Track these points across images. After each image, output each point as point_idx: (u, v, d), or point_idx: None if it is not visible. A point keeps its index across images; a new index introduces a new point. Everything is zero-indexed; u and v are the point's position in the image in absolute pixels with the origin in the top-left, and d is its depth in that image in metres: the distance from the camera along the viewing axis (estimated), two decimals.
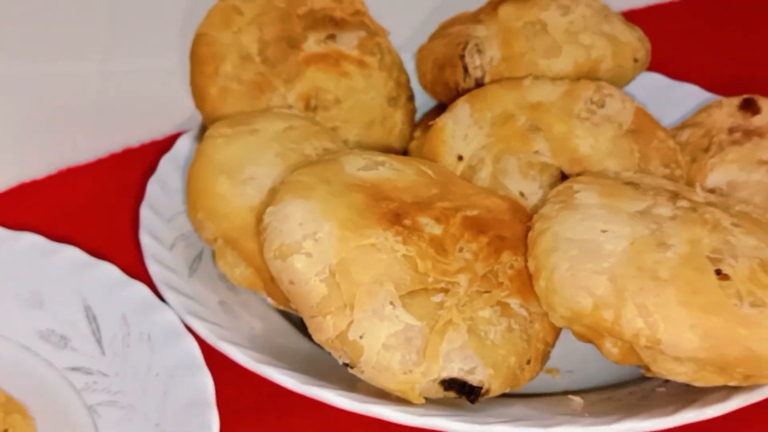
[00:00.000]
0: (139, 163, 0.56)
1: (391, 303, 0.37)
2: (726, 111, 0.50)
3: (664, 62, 0.59)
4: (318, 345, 0.42)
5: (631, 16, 0.61)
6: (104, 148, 0.59)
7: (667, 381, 0.41)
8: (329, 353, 0.39)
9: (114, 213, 0.51)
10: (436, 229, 0.40)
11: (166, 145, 0.56)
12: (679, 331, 0.36)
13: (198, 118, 0.56)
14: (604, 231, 0.38)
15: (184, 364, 0.38)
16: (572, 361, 0.44)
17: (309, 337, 0.43)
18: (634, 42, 0.53)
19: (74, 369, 0.41)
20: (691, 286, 0.36)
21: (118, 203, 0.51)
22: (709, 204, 0.40)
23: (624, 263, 0.37)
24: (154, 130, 0.60)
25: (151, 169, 0.53)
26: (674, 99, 0.56)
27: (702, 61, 0.64)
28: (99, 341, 0.41)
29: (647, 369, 0.38)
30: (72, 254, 0.44)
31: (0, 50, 0.68)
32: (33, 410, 0.39)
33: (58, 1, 0.74)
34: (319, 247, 0.38)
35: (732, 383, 0.37)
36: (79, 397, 0.40)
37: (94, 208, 0.52)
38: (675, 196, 0.40)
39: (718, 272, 0.37)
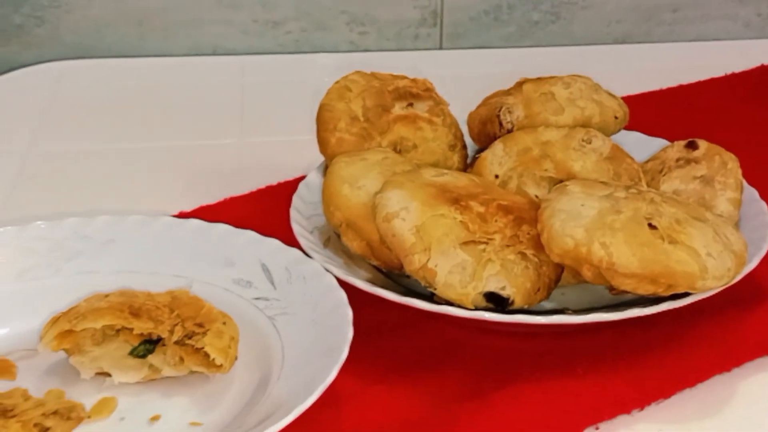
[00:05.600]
0: (278, 192, 0.79)
1: (453, 247, 0.61)
2: (676, 149, 0.72)
3: (646, 124, 0.82)
4: (404, 287, 0.65)
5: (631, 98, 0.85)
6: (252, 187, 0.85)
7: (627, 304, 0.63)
8: (413, 284, 0.63)
9: (267, 215, 0.73)
10: (481, 209, 0.63)
11: (295, 182, 0.77)
12: (625, 257, 0.58)
13: (312, 165, 0.76)
14: (582, 204, 0.61)
15: (327, 288, 0.61)
16: (576, 304, 0.67)
17: (399, 284, 0.66)
18: (615, 106, 0.76)
19: (257, 299, 0.63)
20: (633, 232, 0.59)
21: (270, 211, 0.74)
22: (649, 192, 0.63)
23: (593, 221, 0.60)
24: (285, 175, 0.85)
25: (287, 195, 0.75)
26: (650, 148, 0.77)
27: (674, 124, 0.88)
28: (272, 282, 0.64)
29: (611, 288, 0.61)
30: (251, 234, 0.66)
31: (178, 132, 0.94)
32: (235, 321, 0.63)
33: (210, 100, 1.01)
34: (409, 215, 0.61)
35: (660, 291, 0.59)
36: (262, 313, 0.62)
37: (253, 214, 0.76)
38: (628, 188, 0.63)
39: (650, 225, 0.60)
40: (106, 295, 0.60)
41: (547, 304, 0.64)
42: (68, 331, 0.58)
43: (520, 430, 0.57)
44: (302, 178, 0.75)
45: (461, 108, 0.77)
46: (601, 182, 0.64)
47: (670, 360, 0.62)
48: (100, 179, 0.86)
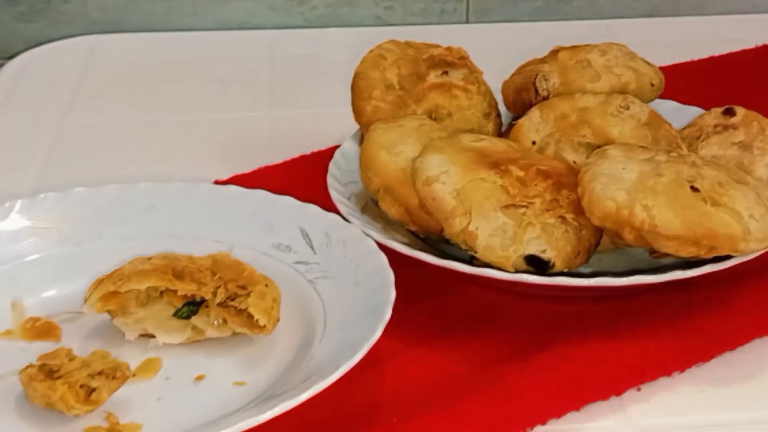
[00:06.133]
0: (311, 162, 0.80)
1: (494, 210, 0.61)
2: (713, 115, 0.72)
3: (678, 94, 0.82)
4: (439, 251, 0.65)
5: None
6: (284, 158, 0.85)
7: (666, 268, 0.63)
8: (450, 250, 0.63)
9: (301, 184, 0.73)
10: (520, 173, 0.63)
11: (328, 152, 0.77)
12: (668, 219, 0.59)
13: (342, 138, 0.77)
14: (623, 168, 0.61)
15: (367, 251, 0.61)
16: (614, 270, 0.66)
17: (436, 250, 0.67)
18: (651, 73, 0.76)
19: (297, 263, 0.64)
20: (675, 195, 0.59)
21: (304, 179, 0.75)
22: (690, 155, 0.63)
23: (635, 184, 0.60)
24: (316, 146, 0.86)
25: (320, 164, 0.76)
26: (684, 116, 0.77)
27: (706, 93, 0.88)
28: (311, 247, 0.64)
29: (652, 250, 0.61)
30: (289, 200, 0.67)
31: (207, 105, 0.95)
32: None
33: (237, 74, 1.01)
34: (450, 178, 0.61)
35: (702, 253, 0.60)
36: (302, 276, 0.63)
37: (287, 183, 0.75)
38: (669, 151, 0.63)
39: (692, 187, 0.60)
40: (149, 258, 0.60)
41: (585, 270, 0.65)
42: (113, 292, 0.58)
43: (562, 391, 0.57)
44: (335, 148, 0.76)
45: (488, 82, 0.77)
46: (641, 146, 0.64)
47: (710, 323, 0.62)
48: (133, 151, 0.87)
